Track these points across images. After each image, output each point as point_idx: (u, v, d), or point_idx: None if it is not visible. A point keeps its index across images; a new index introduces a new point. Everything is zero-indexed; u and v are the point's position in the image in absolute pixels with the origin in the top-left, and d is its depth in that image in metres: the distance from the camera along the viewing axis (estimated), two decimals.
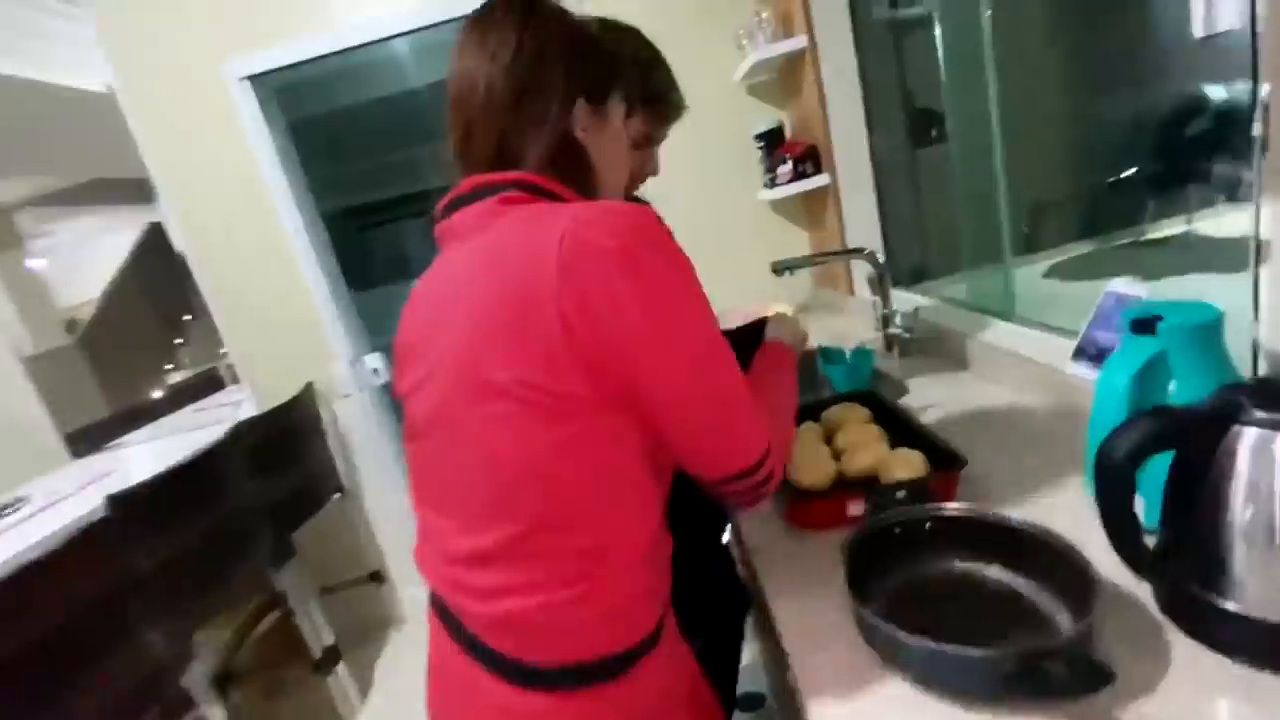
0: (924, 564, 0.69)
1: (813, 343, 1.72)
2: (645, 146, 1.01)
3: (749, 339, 0.92)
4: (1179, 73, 1.43)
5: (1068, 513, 0.73)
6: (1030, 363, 1.09)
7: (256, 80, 2.08)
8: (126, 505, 1.42)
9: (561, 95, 0.66)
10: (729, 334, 0.92)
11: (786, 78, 2.03)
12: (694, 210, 2.17)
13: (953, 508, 0.69)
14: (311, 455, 2.21)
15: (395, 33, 2.04)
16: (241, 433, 1.82)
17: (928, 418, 1.11)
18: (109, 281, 6.97)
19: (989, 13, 1.26)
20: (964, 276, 1.58)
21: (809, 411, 1.13)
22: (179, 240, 2.23)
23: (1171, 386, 0.63)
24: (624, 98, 0.74)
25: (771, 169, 1.88)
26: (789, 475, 0.93)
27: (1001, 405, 1.09)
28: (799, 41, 1.75)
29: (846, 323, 1.87)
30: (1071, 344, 1.06)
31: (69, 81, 3.16)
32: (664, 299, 0.58)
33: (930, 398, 1.19)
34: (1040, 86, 1.47)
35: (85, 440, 2.71)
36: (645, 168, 1.02)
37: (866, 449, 0.95)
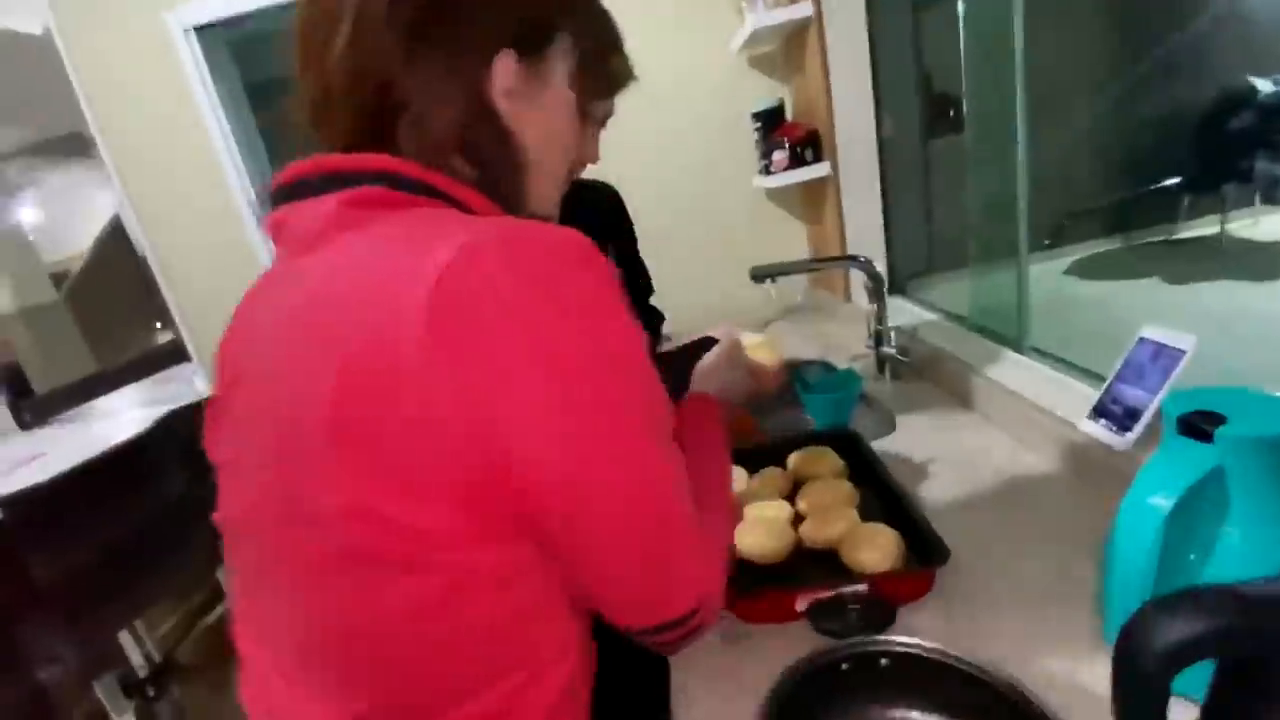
0: (868, 712, 0.53)
1: (803, 353, 1.54)
2: (583, 124, 0.81)
3: (681, 366, 0.75)
4: (1225, 61, 1.24)
5: (1070, 660, 0.55)
6: (1041, 413, 0.92)
7: (205, 31, 1.88)
8: (21, 508, 1.28)
9: (477, 40, 0.46)
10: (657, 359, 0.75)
11: (791, 50, 1.81)
12: (680, 197, 1.98)
13: (915, 645, 0.53)
14: None
15: None
16: (171, 424, 1.67)
17: (914, 467, 0.94)
18: (97, 236, 6.82)
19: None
20: (973, 273, 1.39)
21: (775, 453, 0.97)
22: (118, 201, 2.06)
23: (1231, 530, 0.46)
24: (573, 49, 0.52)
25: (766, 154, 1.68)
26: (733, 541, 0.77)
27: (1003, 462, 0.91)
28: (804, 8, 1.53)
29: (839, 332, 1.69)
30: (1091, 392, 0.88)
31: (3, 22, 2.94)
32: (592, 386, 0.39)
33: (921, 441, 1.02)
34: (1073, 74, 1.27)
35: (35, 410, 2.58)
36: (584, 155, 0.82)
37: (834, 514, 0.79)
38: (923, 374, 1.25)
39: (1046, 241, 1.32)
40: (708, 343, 0.79)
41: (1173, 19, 1.14)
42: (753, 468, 0.95)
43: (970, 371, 1.10)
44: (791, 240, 2.03)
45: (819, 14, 1.52)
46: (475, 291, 0.36)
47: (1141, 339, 0.80)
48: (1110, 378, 0.81)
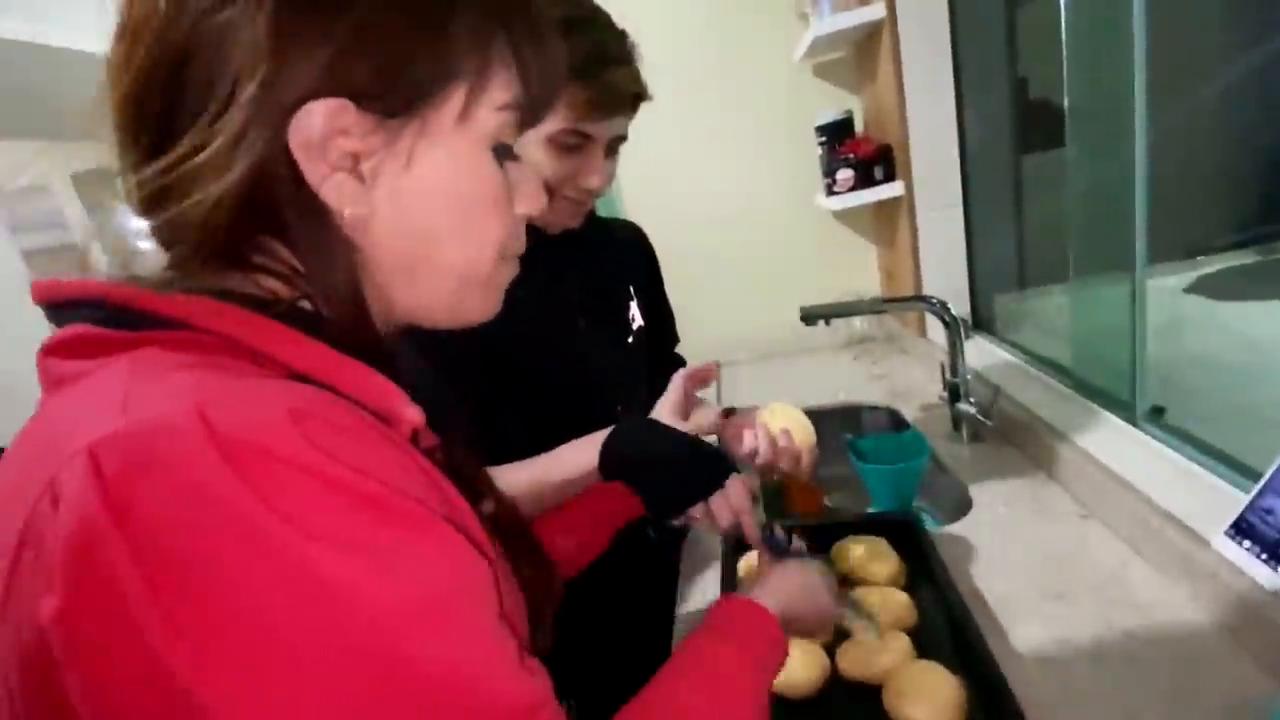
0: None
1: (867, 396, 1.35)
2: (578, 151, 0.68)
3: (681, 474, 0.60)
4: None
5: None
6: (1160, 515, 0.73)
7: None
8: None
9: (252, 77, 0.29)
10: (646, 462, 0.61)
11: (862, 57, 1.63)
12: (739, 218, 1.84)
13: None
14: None
15: None
16: None
17: (990, 568, 0.77)
18: None
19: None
20: (1075, 314, 1.17)
21: (818, 535, 0.82)
22: None
23: None
24: (474, 73, 0.34)
25: (830, 173, 1.52)
26: None
27: (1109, 576, 0.73)
28: (874, 11, 1.36)
29: (911, 373, 1.50)
30: (1232, 493, 0.69)
31: (69, 43, 3.14)
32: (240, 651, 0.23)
33: (1002, 532, 0.85)
34: (1198, 67, 1.05)
35: None
36: (583, 180, 0.70)
37: (883, 641, 0.64)
38: (1008, 438, 1.07)
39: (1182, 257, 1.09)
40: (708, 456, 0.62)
41: None
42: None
43: (1067, 444, 0.92)
44: (862, 265, 1.84)
45: (893, 16, 1.34)
46: (47, 586, 0.23)
47: None
48: (1260, 484, 0.63)
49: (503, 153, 0.36)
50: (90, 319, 0.30)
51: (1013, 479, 0.96)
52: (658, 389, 0.77)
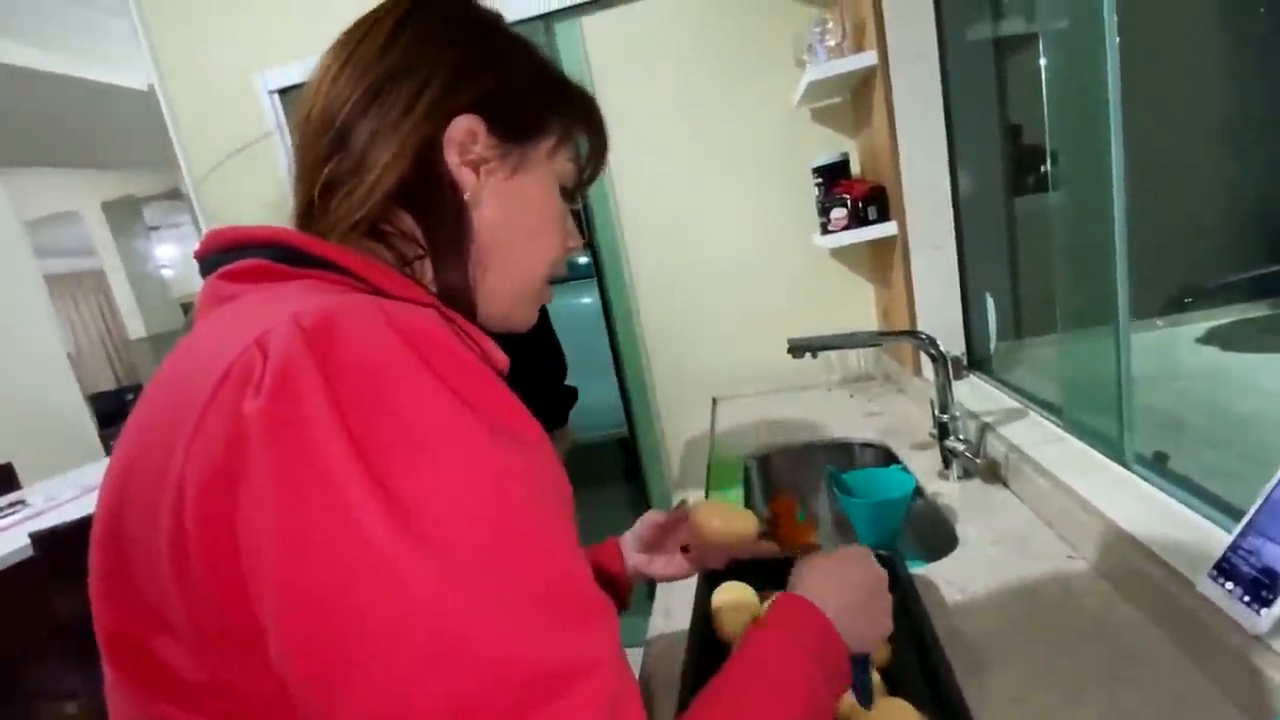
0: None
1: (862, 433, 1.34)
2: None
3: None
4: None
5: None
6: (1147, 557, 0.71)
7: (287, 94, 2.00)
8: (52, 543, 1.31)
9: (438, 94, 0.42)
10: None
11: (857, 102, 1.67)
12: (737, 256, 1.86)
13: None
14: None
15: None
16: None
17: (969, 607, 0.75)
18: None
19: (1116, 39, 0.88)
20: (1062, 354, 1.16)
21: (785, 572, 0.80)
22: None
23: None
24: (562, 131, 0.48)
25: (825, 212, 1.54)
26: None
27: (1093, 620, 0.71)
28: (867, 58, 1.40)
29: (905, 411, 1.49)
30: (1220, 535, 0.67)
31: (114, 79, 3.31)
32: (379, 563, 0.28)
33: (985, 570, 0.82)
34: (1182, 118, 1.06)
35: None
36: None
37: None
38: (998, 477, 1.05)
39: (1185, 302, 1.09)
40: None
41: None
42: (759, 584, 0.79)
43: (1056, 485, 0.90)
44: (859, 303, 1.85)
45: (885, 62, 1.38)
46: (255, 393, 0.29)
47: None
48: (1242, 524, 0.61)
49: (565, 195, 0.49)
50: (261, 256, 0.38)
51: (1001, 518, 0.94)
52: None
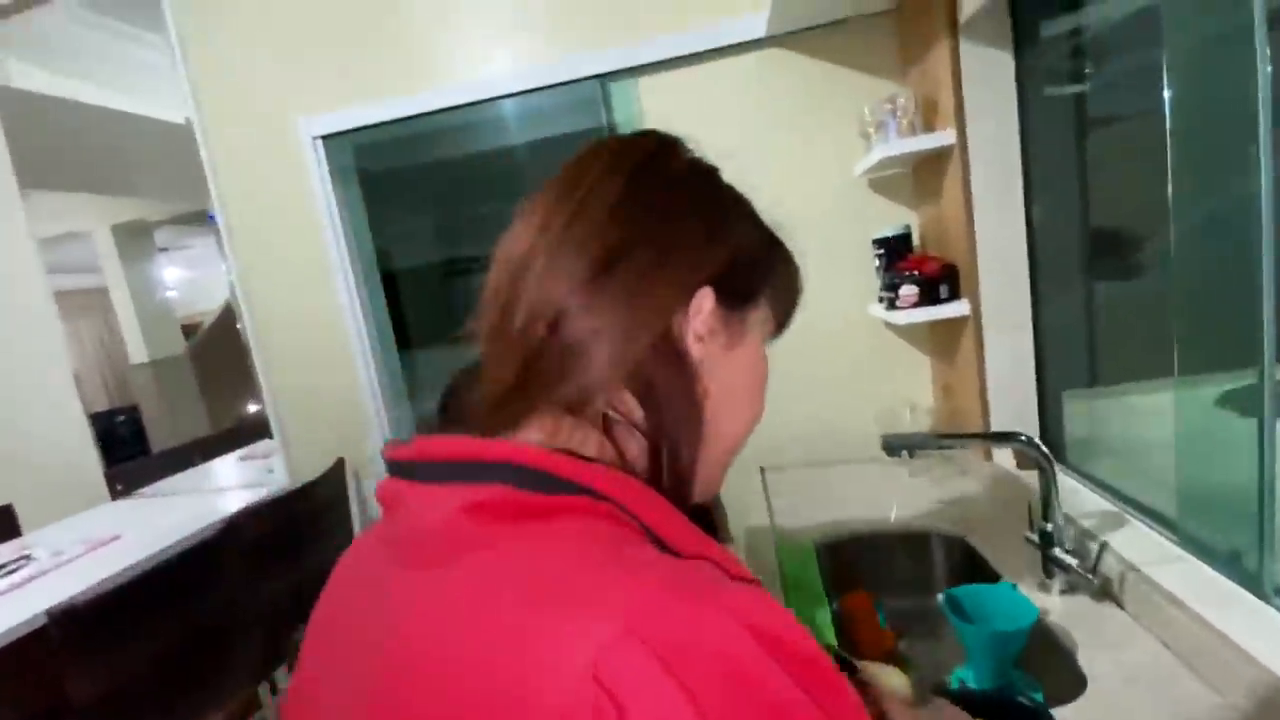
0: None
1: (934, 526, 1.26)
2: None
3: None
4: None
5: None
6: None
7: (329, 140, 1.96)
8: (69, 622, 1.21)
9: (680, 268, 0.38)
10: None
11: (923, 174, 1.64)
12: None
13: None
14: (327, 544, 1.99)
15: (480, 98, 1.87)
16: (238, 525, 1.61)
17: None
18: (224, 301, 7.48)
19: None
20: (1179, 455, 1.07)
21: None
22: (235, 281, 2.15)
23: None
24: (770, 312, 0.45)
25: (891, 287, 1.49)
26: None
27: None
28: (944, 137, 1.37)
29: (977, 501, 1.42)
30: None
31: (153, 112, 3.31)
32: None
33: (1127, 715, 0.74)
34: None
35: (127, 480, 2.67)
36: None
37: None
38: (1110, 596, 0.97)
39: None
40: None
41: None
42: None
43: (1190, 617, 0.82)
44: (915, 377, 1.79)
45: (963, 140, 1.35)
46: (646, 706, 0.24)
47: None
48: None
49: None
50: (511, 479, 0.32)
51: (1129, 651, 0.86)
52: None
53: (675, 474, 0.36)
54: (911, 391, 1.78)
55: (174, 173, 3.22)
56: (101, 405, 6.24)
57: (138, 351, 5.63)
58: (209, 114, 2.04)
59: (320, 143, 1.95)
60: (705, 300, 0.38)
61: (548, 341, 0.35)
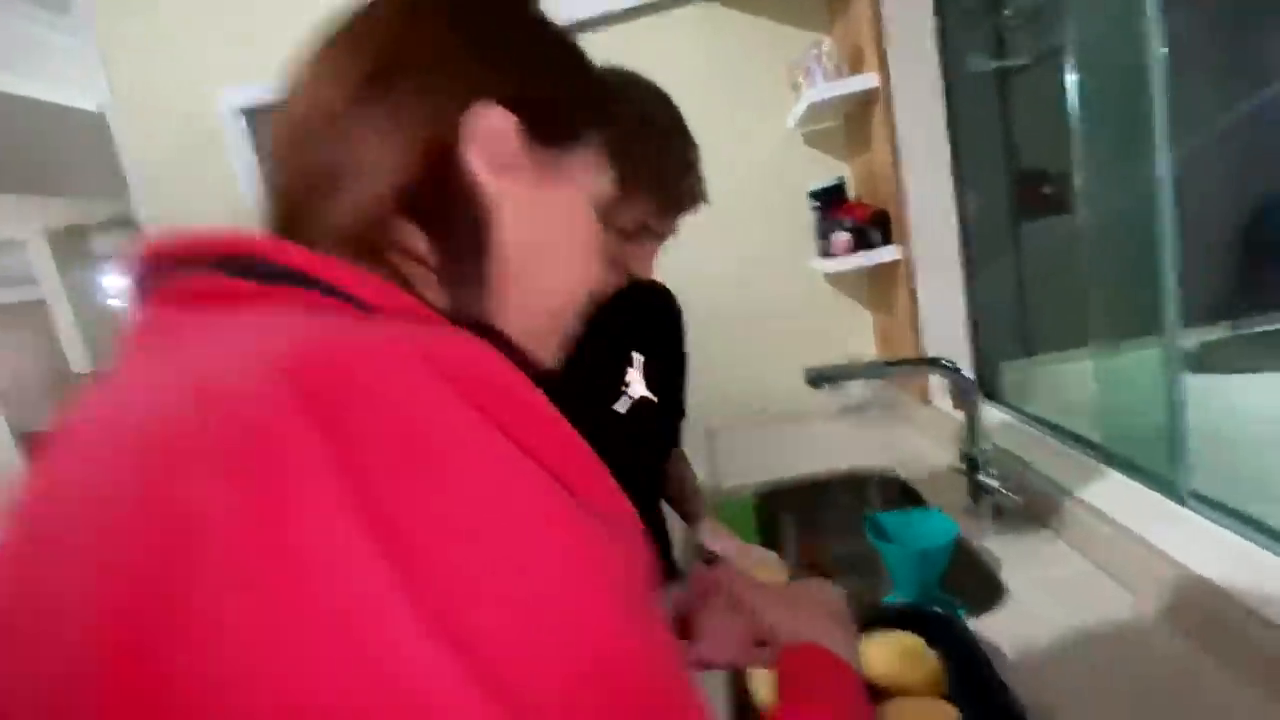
0: None
1: (863, 462, 1.26)
2: (638, 239, 0.71)
3: None
4: None
5: None
6: (1231, 603, 0.63)
7: (253, 114, 1.88)
8: None
9: (455, 80, 0.33)
10: None
11: (854, 125, 1.64)
12: (729, 281, 1.80)
13: None
14: None
15: None
16: None
17: (1035, 672, 0.66)
18: None
19: (1163, 50, 0.84)
20: (1097, 377, 1.09)
21: None
22: None
23: None
24: (602, 159, 0.40)
25: (825, 235, 1.48)
26: None
27: (1170, 681, 0.63)
28: (868, 80, 1.36)
29: (916, 441, 1.42)
30: None
31: (64, 99, 3.15)
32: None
33: (1043, 630, 0.74)
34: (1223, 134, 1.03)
35: None
36: (632, 267, 0.72)
37: None
38: (1034, 515, 0.97)
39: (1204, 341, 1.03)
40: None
41: None
42: None
43: (1108, 524, 0.82)
44: (856, 330, 1.79)
45: (886, 83, 1.35)
46: (213, 475, 0.20)
47: None
48: None
49: (602, 217, 0.40)
50: (218, 270, 0.28)
51: (1049, 564, 0.86)
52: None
53: (467, 324, 0.33)
54: (855, 345, 1.78)
55: (100, 169, 3.08)
56: (43, 423, 6.00)
57: (81, 361, 5.43)
58: (124, 96, 1.94)
59: (245, 118, 1.87)
60: (498, 121, 0.33)
61: (319, 157, 0.32)
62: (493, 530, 0.21)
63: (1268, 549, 0.69)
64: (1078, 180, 1.08)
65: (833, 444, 1.52)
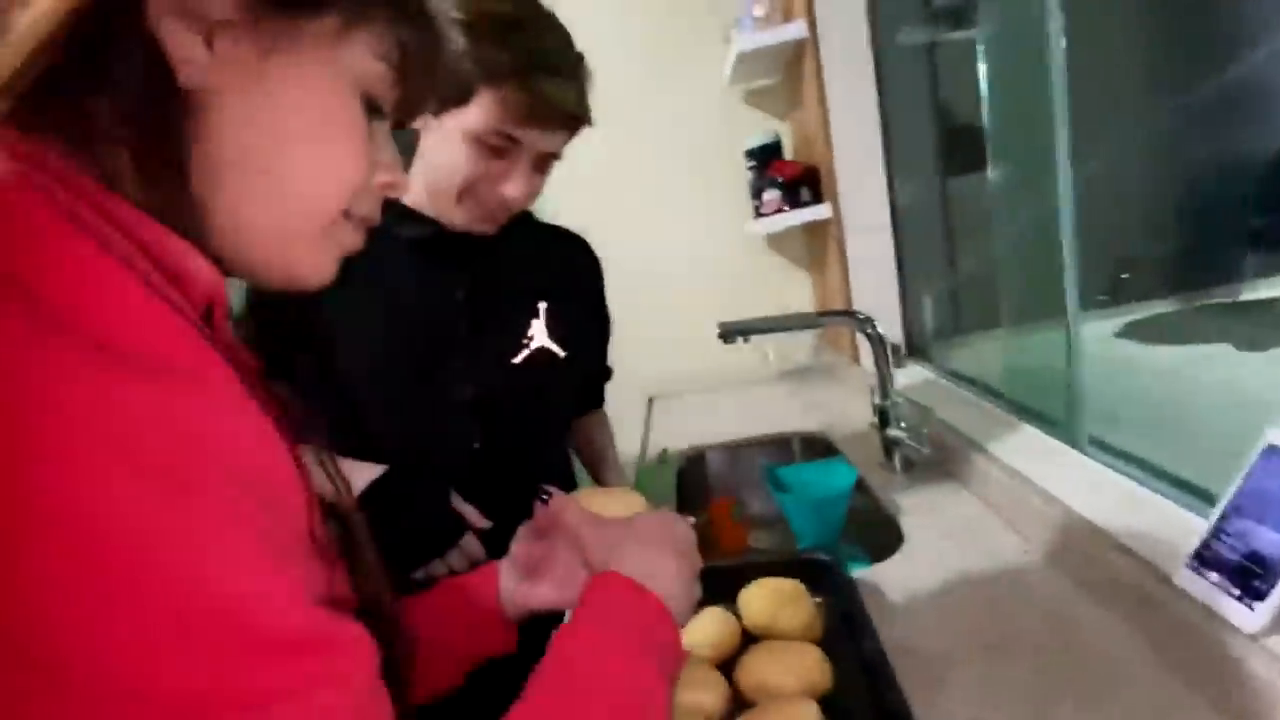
0: None
1: (802, 426, 1.26)
2: (498, 154, 0.64)
3: None
4: None
5: None
6: (1113, 547, 0.62)
7: None
8: None
9: None
10: None
11: (789, 81, 1.60)
12: (666, 243, 1.76)
13: None
14: None
15: None
16: None
17: (920, 612, 0.65)
18: None
19: (1061, 23, 0.82)
20: (1008, 336, 1.11)
21: (719, 583, 0.68)
22: None
23: None
24: (353, 10, 0.32)
25: (757, 194, 1.45)
26: None
27: (1050, 621, 0.62)
28: (796, 29, 1.32)
29: (845, 402, 1.41)
30: (1186, 516, 0.60)
31: None
32: None
33: (936, 568, 0.73)
34: (1122, 100, 1.02)
35: None
36: (500, 187, 0.65)
37: (789, 711, 0.51)
38: (943, 467, 0.96)
39: (1100, 298, 1.03)
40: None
41: (1243, 38, 0.89)
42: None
43: (1007, 472, 0.81)
44: (797, 293, 1.77)
45: (814, 36, 1.31)
46: None
47: (1272, 448, 0.51)
48: (1221, 504, 0.53)
49: (373, 110, 0.35)
50: None
51: (950, 511, 0.85)
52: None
53: (160, 216, 0.27)
54: (796, 308, 1.76)
55: None
56: None
57: None
58: None
59: None
60: None
61: None
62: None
63: (1160, 493, 0.68)
64: (990, 137, 1.07)
65: (768, 409, 1.51)
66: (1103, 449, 0.80)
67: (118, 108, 0.27)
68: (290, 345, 0.41)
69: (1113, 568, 0.60)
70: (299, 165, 0.32)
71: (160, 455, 0.19)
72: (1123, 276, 1.15)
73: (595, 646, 0.35)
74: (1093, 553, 0.64)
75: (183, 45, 0.28)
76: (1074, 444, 0.84)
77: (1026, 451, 0.85)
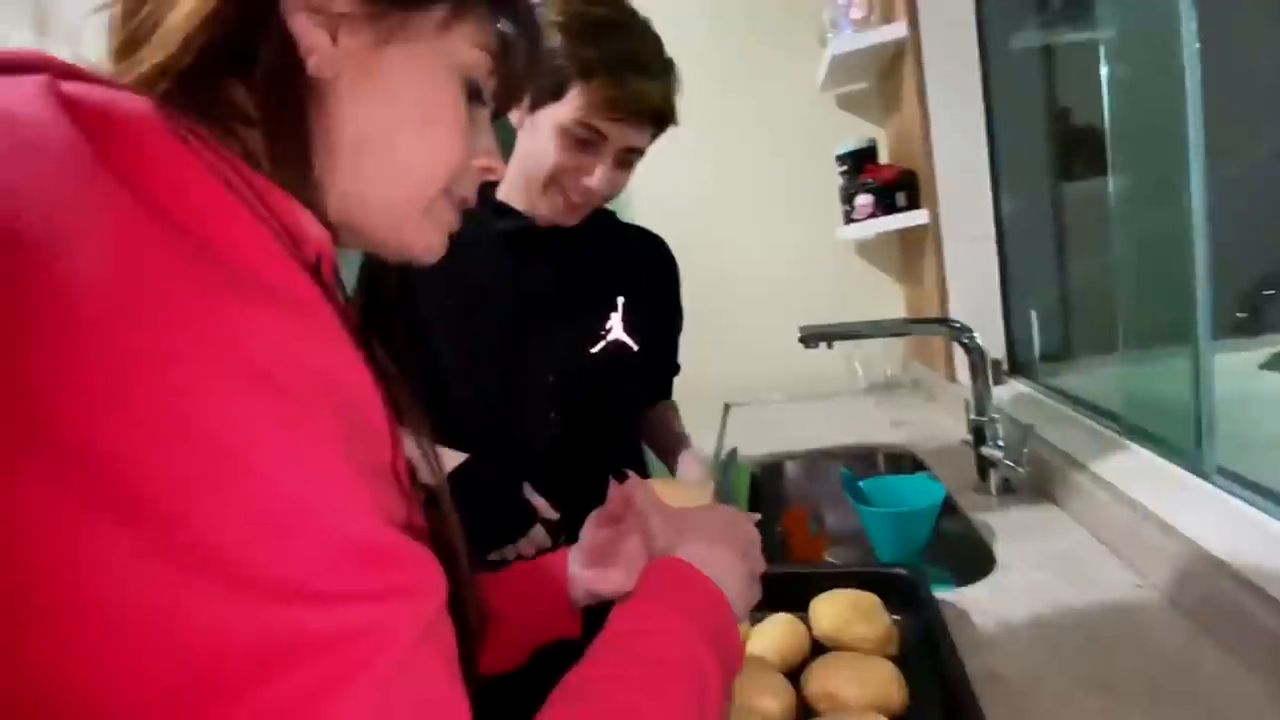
0: None
1: (889, 441, 1.19)
2: (583, 146, 0.68)
3: None
4: None
5: None
6: (1243, 588, 0.56)
7: None
8: None
9: None
10: None
11: (885, 86, 1.55)
12: (754, 249, 1.74)
13: None
14: None
15: None
16: None
17: (1013, 646, 0.60)
18: None
19: (1194, 22, 0.75)
20: (1128, 354, 1.01)
21: (789, 591, 0.66)
22: None
23: None
24: (486, 19, 0.36)
25: (849, 199, 1.41)
26: None
27: (1165, 664, 0.56)
28: (895, 30, 1.28)
29: (937, 419, 1.34)
30: None
31: None
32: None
33: (1032, 598, 0.68)
34: (1262, 113, 0.91)
35: None
36: (583, 178, 0.69)
37: None
38: (1043, 490, 0.89)
39: (1239, 315, 0.93)
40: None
41: None
42: (754, 613, 0.66)
43: (1118, 499, 0.75)
44: (888, 303, 1.70)
45: (915, 33, 1.26)
46: None
47: None
48: None
49: (474, 97, 0.37)
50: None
51: (1050, 538, 0.79)
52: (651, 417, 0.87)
53: (289, 189, 0.30)
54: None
55: None
56: None
57: None
58: None
59: None
60: None
61: (141, 12, 0.30)
62: (114, 305, 0.20)
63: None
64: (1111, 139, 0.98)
65: (852, 421, 1.46)
66: (1234, 480, 0.72)
67: (255, 93, 0.31)
68: (393, 329, 0.44)
69: (1241, 609, 0.54)
70: (407, 146, 0.35)
71: (263, 364, 0.21)
72: (1265, 293, 1.03)
73: (652, 620, 0.35)
74: (1219, 592, 0.57)
75: (311, 37, 0.31)
76: (1200, 473, 0.76)
77: (1143, 478, 0.77)
